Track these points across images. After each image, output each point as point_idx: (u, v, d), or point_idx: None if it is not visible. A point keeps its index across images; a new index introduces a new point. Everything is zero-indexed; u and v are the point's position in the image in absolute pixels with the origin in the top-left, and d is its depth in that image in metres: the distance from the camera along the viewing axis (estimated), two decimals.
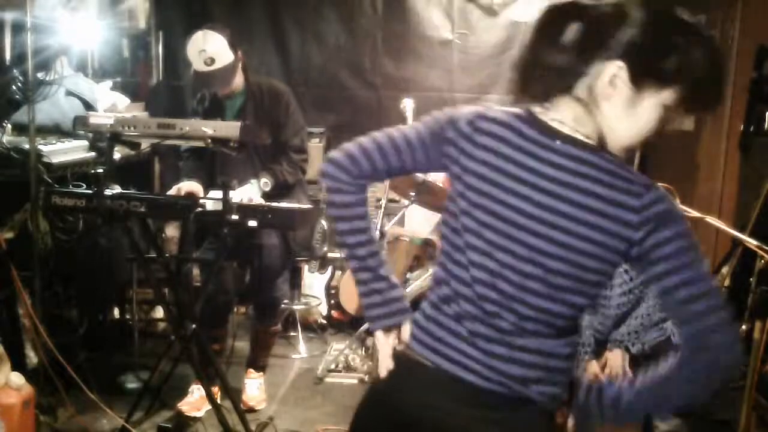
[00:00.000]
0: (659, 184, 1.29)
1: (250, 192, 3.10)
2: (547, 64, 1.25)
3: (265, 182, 3.17)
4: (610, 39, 1.21)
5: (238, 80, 3.21)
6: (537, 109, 1.31)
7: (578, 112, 1.27)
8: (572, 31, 1.22)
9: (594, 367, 2.84)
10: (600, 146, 1.27)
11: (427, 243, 4.17)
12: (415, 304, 1.48)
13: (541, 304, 1.28)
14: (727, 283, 3.69)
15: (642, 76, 1.22)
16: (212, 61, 3.07)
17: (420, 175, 3.79)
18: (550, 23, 1.27)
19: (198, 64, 3.09)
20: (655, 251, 1.23)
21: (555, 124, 1.28)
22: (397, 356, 1.45)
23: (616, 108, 1.24)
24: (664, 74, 1.22)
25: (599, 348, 2.86)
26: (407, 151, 1.40)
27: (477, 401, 1.32)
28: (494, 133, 1.30)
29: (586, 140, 1.26)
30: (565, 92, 1.27)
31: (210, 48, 3.06)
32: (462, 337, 1.33)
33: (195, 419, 3.18)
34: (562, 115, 1.28)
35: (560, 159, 1.25)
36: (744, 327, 3.33)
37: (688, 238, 1.23)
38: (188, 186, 3.09)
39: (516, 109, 1.32)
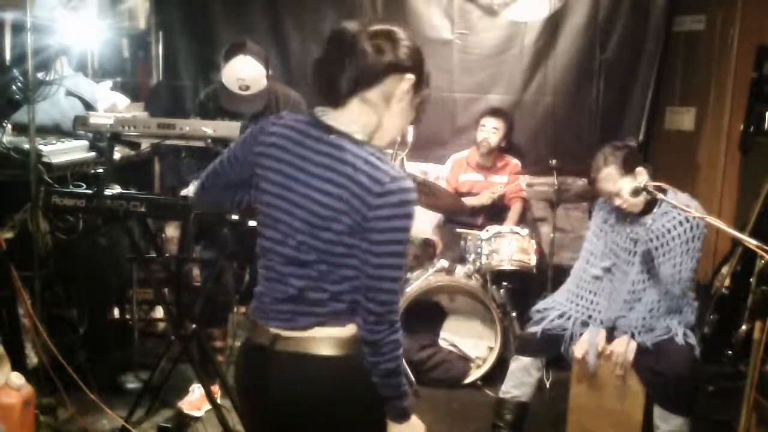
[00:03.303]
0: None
1: None
2: (345, 76, 1.52)
3: None
4: (401, 58, 1.54)
5: None
6: (321, 113, 1.59)
7: (363, 112, 1.56)
8: (372, 51, 1.51)
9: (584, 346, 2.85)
10: (366, 140, 1.56)
11: (427, 243, 4.18)
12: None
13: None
14: (727, 283, 3.69)
15: (419, 83, 1.58)
16: (247, 88, 3.11)
17: (420, 176, 3.80)
18: (345, 42, 1.53)
19: (232, 87, 3.11)
20: (373, 228, 1.48)
21: (333, 124, 1.56)
22: None
23: (401, 108, 1.58)
24: (425, 77, 1.61)
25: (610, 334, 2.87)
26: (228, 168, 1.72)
27: None
28: (282, 134, 1.60)
29: (355, 135, 1.54)
30: (353, 97, 1.55)
31: (248, 77, 3.09)
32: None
33: (195, 419, 3.18)
34: (345, 116, 1.56)
35: (328, 148, 1.54)
36: (744, 327, 3.34)
37: (401, 232, 1.49)
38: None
39: (305, 116, 1.63)
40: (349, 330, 1.58)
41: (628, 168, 2.73)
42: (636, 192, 2.76)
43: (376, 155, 1.52)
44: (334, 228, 1.51)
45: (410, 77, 1.56)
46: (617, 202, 2.78)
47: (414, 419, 1.67)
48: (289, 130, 1.60)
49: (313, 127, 1.58)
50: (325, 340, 1.57)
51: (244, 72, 3.08)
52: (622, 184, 2.74)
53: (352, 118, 1.56)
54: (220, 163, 1.73)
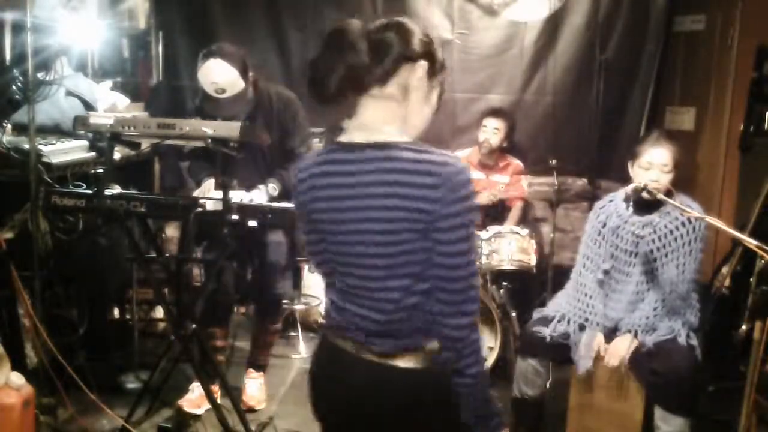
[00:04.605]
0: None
1: (258, 196, 3.12)
2: (349, 71, 1.47)
3: (273, 186, 3.19)
4: (411, 47, 1.51)
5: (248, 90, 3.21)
6: (340, 131, 1.54)
7: (381, 110, 1.52)
8: (386, 42, 1.50)
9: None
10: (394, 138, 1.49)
11: None
12: None
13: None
14: (727, 283, 3.68)
15: (432, 70, 1.55)
16: (223, 91, 3.06)
17: None
18: (349, 36, 1.51)
19: (209, 91, 3.08)
20: (439, 217, 1.42)
21: (353, 138, 1.51)
22: None
23: (421, 97, 1.55)
24: (438, 63, 1.57)
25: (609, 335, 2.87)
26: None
27: None
28: (315, 173, 1.54)
29: (378, 138, 1.48)
30: (363, 93, 1.51)
31: (221, 80, 3.04)
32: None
33: (195, 418, 3.18)
34: (363, 122, 1.52)
35: (359, 166, 1.48)
36: (744, 327, 3.33)
37: (467, 214, 1.44)
38: (210, 185, 3.12)
39: (324, 148, 1.58)
40: (429, 345, 1.53)
41: (677, 158, 2.85)
42: (636, 191, 2.77)
43: (410, 148, 1.46)
44: (403, 238, 1.45)
45: (423, 63, 1.53)
46: (654, 175, 2.79)
47: None
48: (318, 167, 1.54)
49: (335, 152, 1.52)
50: (406, 353, 1.53)
51: (216, 76, 3.04)
52: (671, 166, 2.81)
53: (370, 120, 1.52)
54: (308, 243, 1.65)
